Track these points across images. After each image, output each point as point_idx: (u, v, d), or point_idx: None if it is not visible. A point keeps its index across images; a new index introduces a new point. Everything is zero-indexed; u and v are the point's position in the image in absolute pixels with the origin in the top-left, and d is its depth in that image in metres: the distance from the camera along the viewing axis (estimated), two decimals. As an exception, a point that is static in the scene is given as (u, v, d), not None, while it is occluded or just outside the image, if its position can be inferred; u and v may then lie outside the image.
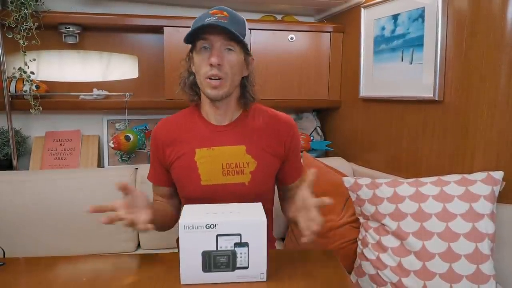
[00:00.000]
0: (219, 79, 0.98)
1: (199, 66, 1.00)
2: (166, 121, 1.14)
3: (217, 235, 0.80)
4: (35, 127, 1.81)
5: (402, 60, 1.50)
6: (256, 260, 0.82)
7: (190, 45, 1.05)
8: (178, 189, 1.13)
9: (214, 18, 0.96)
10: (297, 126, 1.19)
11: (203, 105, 1.10)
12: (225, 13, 0.99)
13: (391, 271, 1.19)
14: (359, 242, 1.35)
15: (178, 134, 1.10)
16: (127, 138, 1.70)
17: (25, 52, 1.55)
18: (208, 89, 1.00)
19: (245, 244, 0.81)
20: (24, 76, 1.60)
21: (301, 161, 1.22)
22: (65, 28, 1.65)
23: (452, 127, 1.32)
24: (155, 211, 1.00)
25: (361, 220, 1.35)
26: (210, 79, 0.98)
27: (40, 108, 1.60)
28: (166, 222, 1.12)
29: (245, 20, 1.04)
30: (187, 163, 1.06)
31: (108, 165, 1.83)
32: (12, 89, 1.61)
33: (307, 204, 0.88)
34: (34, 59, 1.65)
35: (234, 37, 0.97)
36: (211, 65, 0.97)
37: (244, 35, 1.00)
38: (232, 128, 1.09)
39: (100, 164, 1.83)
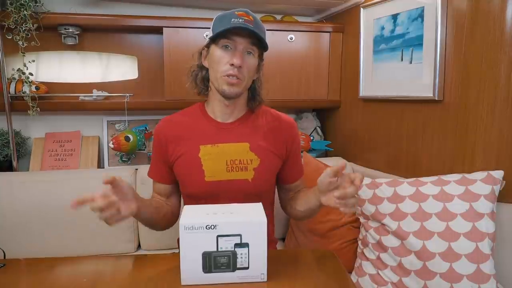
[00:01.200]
0: (237, 78, 1.01)
1: (217, 62, 1.02)
2: (168, 119, 1.15)
3: (218, 236, 0.80)
4: (35, 128, 1.81)
5: (402, 59, 1.50)
6: (256, 261, 0.82)
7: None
8: (181, 185, 1.13)
9: (241, 20, 0.99)
10: (297, 126, 1.20)
11: (211, 102, 1.12)
12: (251, 17, 1.02)
13: (391, 271, 1.19)
14: (359, 242, 1.35)
15: (181, 131, 1.11)
16: (127, 139, 1.70)
17: (24, 53, 1.55)
18: (224, 85, 1.02)
19: (246, 245, 0.81)
20: (23, 77, 1.60)
21: (302, 162, 1.23)
22: (65, 29, 1.65)
23: (452, 127, 1.32)
24: (146, 205, 0.99)
25: (362, 220, 1.35)
26: (228, 77, 1.01)
27: (38, 109, 1.60)
28: (158, 220, 1.08)
29: (265, 28, 1.08)
30: (191, 159, 1.07)
31: (108, 166, 1.83)
32: (12, 90, 1.61)
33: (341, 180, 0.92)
34: (33, 61, 1.65)
35: (260, 44, 1.03)
36: (231, 64, 1.00)
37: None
38: (236, 125, 1.11)
39: (100, 165, 1.83)
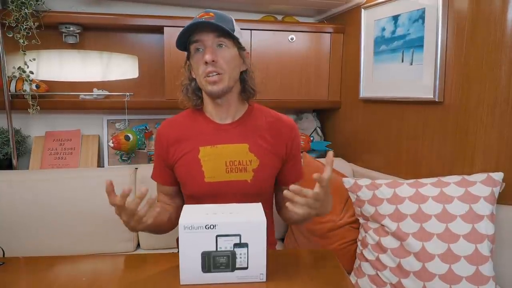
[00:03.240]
0: (217, 74, 1.01)
1: (196, 68, 1.04)
2: (169, 121, 1.16)
3: (217, 236, 0.80)
4: (35, 127, 1.81)
5: (402, 61, 1.50)
6: (255, 261, 0.82)
7: (187, 51, 1.07)
8: (182, 186, 1.14)
9: (201, 20, 0.99)
10: (297, 126, 1.20)
11: (206, 106, 1.12)
12: (211, 13, 1.01)
13: (390, 272, 1.19)
14: (358, 243, 1.35)
15: (182, 133, 1.11)
16: (127, 138, 1.70)
17: (25, 51, 1.55)
18: (208, 86, 1.02)
19: (245, 245, 0.81)
20: (23, 75, 1.60)
21: (301, 165, 1.22)
22: (66, 27, 1.65)
23: (452, 128, 1.32)
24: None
25: (361, 221, 1.35)
26: (208, 76, 1.01)
27: (38, 107, 1.60)
28: (162, 226, 1.10)
29: (232, 18, 1.07)
30: (191, 161, 1.08)
31: (108, 165, 1.83)
32: (12, 88, 1.61)
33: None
34: (34, 59, 1.65)
35: (223, 32, 1.00)
36: (206, 63, 0.99)
37: (233, 30, 1.02)
38: (235, 126, 1.11)
39: (100, 164, 1.83)
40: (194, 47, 1.03)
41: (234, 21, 1.06)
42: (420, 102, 1.44)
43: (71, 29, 1.66)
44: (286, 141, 1.12)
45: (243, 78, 1.10)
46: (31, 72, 1.61)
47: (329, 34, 1.90)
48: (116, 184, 1.55)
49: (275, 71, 1.85)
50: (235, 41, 1.04)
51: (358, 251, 1.34)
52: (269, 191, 1.16)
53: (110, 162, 1.83)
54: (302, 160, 1.24)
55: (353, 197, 1.36)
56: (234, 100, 1.10)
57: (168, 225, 1.13)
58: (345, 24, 1.89)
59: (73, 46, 1.77)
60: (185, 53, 1.09)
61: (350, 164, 1.84)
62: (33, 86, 1.61)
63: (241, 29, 1.08)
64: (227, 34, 1.00)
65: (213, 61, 0.99)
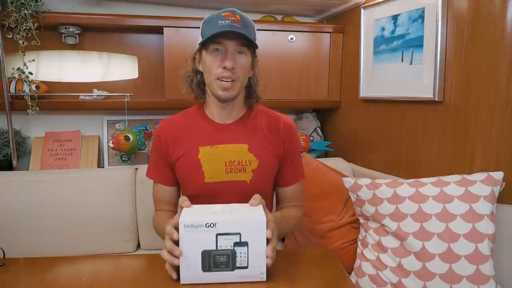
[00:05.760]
0: (231, 81, 1.01)
1: (210, 67, 1.02)
2: (168, 120, 1.15)
3: (217, 235, 0.80)
4: (35, 128, 1.81)
5: (402, 60, 1.50)
6: (255, 260, 0.82)
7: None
8: (182, 186, 1.14)
9: (227, 22, 0.98)
10: (297, 126, 1.19)
11: (208, 104, 1.12)
12: (237, 16, 1.01)
13: (391, 271, 1.19)
14: (359, 243, 1.35)
15: (181, 132, 1.11)
16: (127, 139, 1.70)
17: (24, 52, 1.55)
18: (219, 90, 1.02)
19: (245, 244, 0.81)
20: (22, 76, 1.60)
21: (302, 166, 1.21)
22: (65, 28, 1.66)
23: (452, 128, 1.32)
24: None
25: (361, 220, 1.35)
26: (222, 80, 1.00)
27: (37, 108, 1.60)
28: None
29: (254, 24, 1.06)
30: (191, 161, 1.08)
31: (108, 165, 1.83)
32: (12, 89, 1.61)
33: None
34: (33, 60, 1.65)
35: (249, 43, 1.00)
36: (224, 67, 0.99)
37: (254, 39, 1.03)
38: (235, 127, 1.11)
39: (100, 165, 1.83)
40: (213, 46, 1.01)
41: (255, 26, 1.06)
42: (420, 101, 1.44)
43: (71, 29, 1.66)
44: (284, 140, 1.12)
45: (249, 84, 1.11)
46: (30, 73, 1.61)
47: (329, 34, 1.90)
48: (116, 184, 1.56)
49: (275, 71, 1.85)
50: (253, 50, 1.05)
51: (358, 250, 1.34)
52: (268, 191, 1.16)
53: (110, 163, 1.83)
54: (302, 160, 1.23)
55: (353, 197, 1.36)
56: (238, 105, 1.11)
57: None
58: (344, 24, 1.89)
59: (72, 47, 1.77)
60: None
61: (350, 164, 1.84)
62: (33, 87, 1.61)
63: None
64: (249, 44, 1.01)
65: (232, 68, 0.99)
